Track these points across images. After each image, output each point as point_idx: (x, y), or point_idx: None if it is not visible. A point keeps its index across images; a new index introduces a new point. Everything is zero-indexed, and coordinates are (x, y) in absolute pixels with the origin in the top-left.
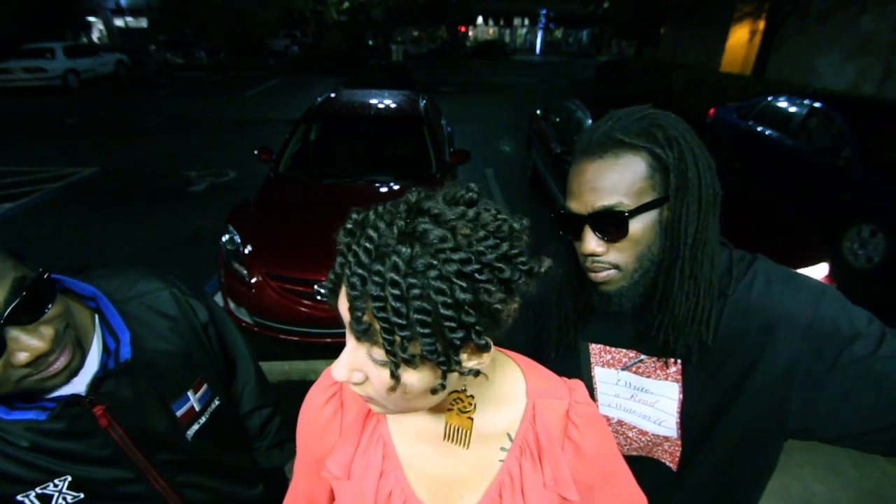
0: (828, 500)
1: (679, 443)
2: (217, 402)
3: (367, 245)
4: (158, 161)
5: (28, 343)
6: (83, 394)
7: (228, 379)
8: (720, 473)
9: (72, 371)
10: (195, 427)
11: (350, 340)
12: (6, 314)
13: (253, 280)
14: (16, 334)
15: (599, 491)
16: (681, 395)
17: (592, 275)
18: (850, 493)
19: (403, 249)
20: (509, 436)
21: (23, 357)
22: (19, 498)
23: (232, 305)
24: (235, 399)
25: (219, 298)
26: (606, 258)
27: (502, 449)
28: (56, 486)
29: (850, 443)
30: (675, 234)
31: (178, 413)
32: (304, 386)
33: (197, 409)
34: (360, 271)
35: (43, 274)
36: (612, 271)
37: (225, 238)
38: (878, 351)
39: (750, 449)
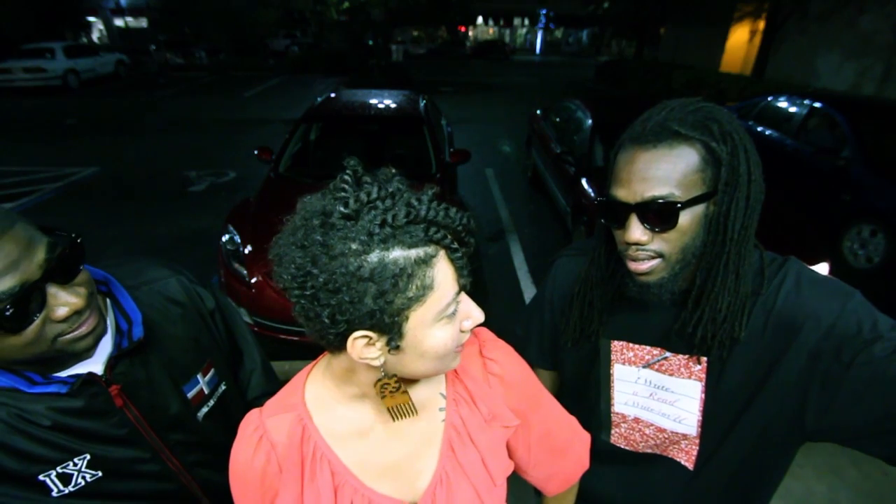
0: (828, 500)
1: (697, 441)
2: (224, 387)
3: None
4: (158, 161)
5: (66, 299)
6: (100, 373)
7: (235, 366)
8: (738, 474)
9: (97, 336)
10: (205, 409)
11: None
12: (46, 271)
13: (253, 280)
14: (55, 290)
15: (532, 416)
16: (703, 394)
17: (634, 265)
18: (850, 493)
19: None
20: (442, 395)
21: (62, 312)
22: (41, 478)
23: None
24: (243, 386)
25: None
26: (651, 246)
27: (441, 409)
28: (76, 464)
29: (864, 444)
30: (721, 228)
31: (189, 395)
32: None
33: (206, 391)
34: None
35: (76, 238)
36: (656, 261)
37: (225, 238)
38: None
39: (768, 450)
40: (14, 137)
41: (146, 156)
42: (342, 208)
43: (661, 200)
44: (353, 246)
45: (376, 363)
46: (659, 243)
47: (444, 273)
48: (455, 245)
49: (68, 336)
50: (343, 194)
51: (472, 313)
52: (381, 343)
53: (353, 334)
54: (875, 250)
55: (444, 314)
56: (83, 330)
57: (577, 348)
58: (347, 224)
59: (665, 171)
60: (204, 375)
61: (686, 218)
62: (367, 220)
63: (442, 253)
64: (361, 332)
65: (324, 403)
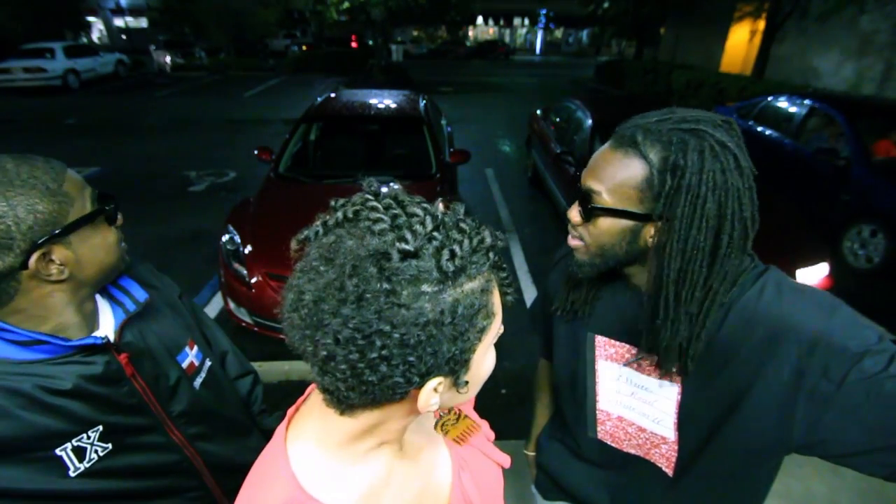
0: (828, 500)
1: (676, 446)
2: (209, 362)
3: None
4: (158, 161)
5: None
6: (112, 340)
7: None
8: (718, 485)
9: (126, 260)
10: (199, 379)
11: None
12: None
13: (253, 280)
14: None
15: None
16: (679, 397)
17: (569, 238)
18: (850, 493)
19: None
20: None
21: (120, 219)
22: (58, 452)
23: (232, 305)
24: None
25: (219, 298)
26: (579, 229)
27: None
28: (89, 437)
29: (856, 462)
30: (659, 261)
31: (184, 365)
32: (303, 386)
33: (196, 363)
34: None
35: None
36: (580, 243)
37: (225, 238)
38: (889, 369)
39: (750, 462)
40: (14, 137)
41: (146, 156)
42: (403, 245)
43: (588, 193)
44: (425, 288)
45: (435, 407)
46: (584, 230)
47: (496, 296)
48: (503, 265)
49: (122, 245)
50: (383, 225)
51: (500, 328)
52: (446, 384)
53: (427, 386)
54: (875, 250)
55: (496, 337)
56: (124, 245)
57: (566, 342)
58: (412, 264)
59: (608, 172)
60: (191, 349)
61: (606, 222)
62: (430, 254)
63: (493, 275)
64: (437, 381)
65: (329, 475)
